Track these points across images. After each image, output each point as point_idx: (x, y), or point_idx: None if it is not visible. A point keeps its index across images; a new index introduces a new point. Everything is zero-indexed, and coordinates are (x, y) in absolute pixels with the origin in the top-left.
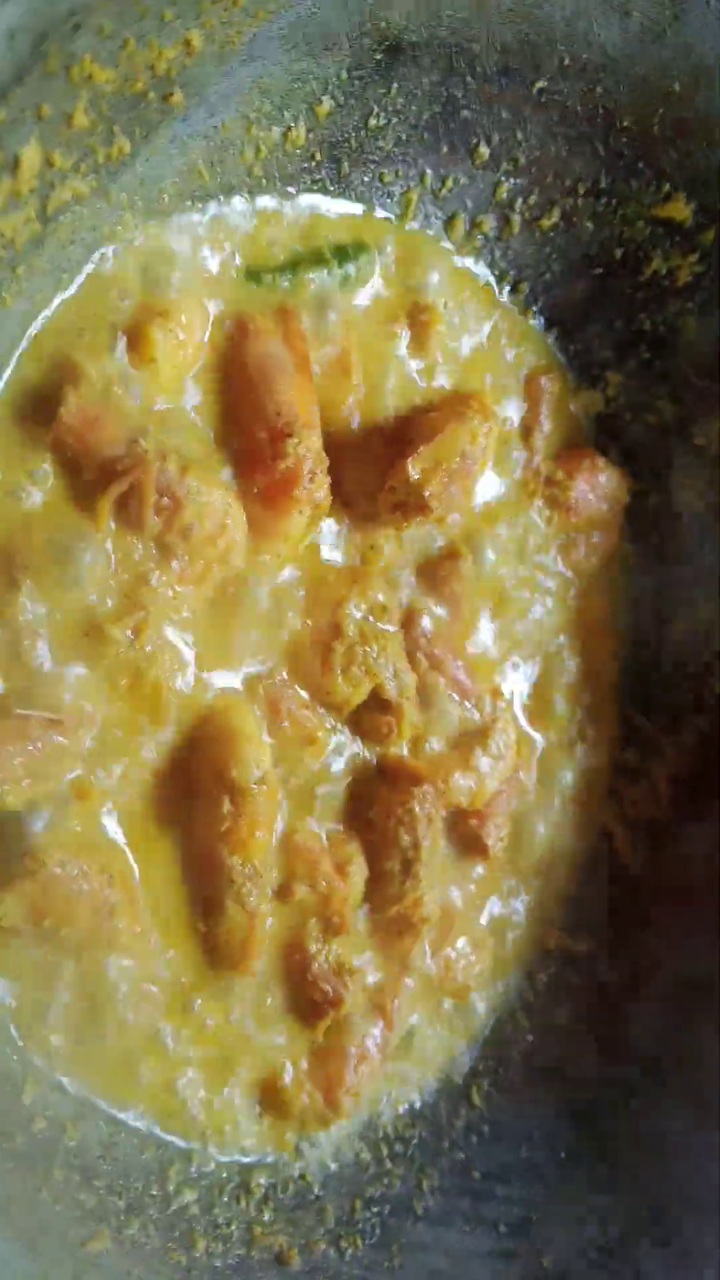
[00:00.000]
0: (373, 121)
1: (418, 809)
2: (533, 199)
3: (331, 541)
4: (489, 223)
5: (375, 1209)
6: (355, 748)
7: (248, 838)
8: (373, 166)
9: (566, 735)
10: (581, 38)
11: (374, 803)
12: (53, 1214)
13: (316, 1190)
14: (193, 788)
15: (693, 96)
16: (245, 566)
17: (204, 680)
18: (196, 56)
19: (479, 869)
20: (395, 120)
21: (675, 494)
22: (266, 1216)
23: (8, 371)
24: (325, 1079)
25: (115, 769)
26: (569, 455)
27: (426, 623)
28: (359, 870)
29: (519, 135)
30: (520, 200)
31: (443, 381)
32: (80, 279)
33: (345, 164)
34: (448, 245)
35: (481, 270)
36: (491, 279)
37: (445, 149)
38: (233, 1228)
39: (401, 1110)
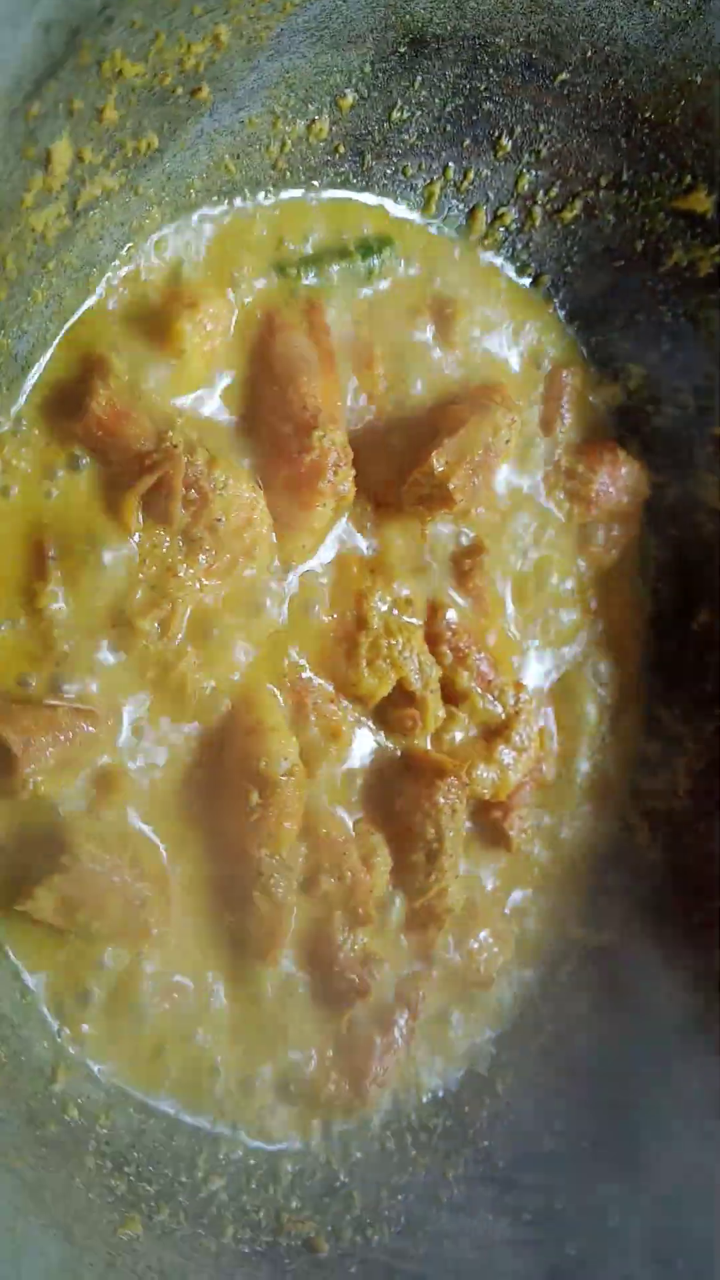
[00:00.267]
0: (396, 114)
1: (442, 801)
2: (554, 191)
3: (356, 533)
4: (511, 215)
5: (401, 1197)
6: (380, 740)
7: (275, 829)
8: (395, 159)
9: (589, 727)
10: (604, 30)
11: (399, 795)
12: (85, 1200)
13: (343, 1178)
14: (221, 780)
15: (714, 88)
16: (271, 559)
17: (231, 673)
18: (224, 51)
19: (502, 860)
20: (418, 113)
21: (696, 486)
22: (294, 1204)
23: (39, 367)
24: (351, 1068)
25: (144, 760)
26: (590, 448)
27: (451, 615)
28: (384, 862)
29: (541, 128)
30: (542, 192)
31: (466, 374)
32: (109, 274)
33: (368, 157)
34: (470, 238)
35: (503, 263)
36: (513, 272)
37: (468, 142)
38: (261, 1214)
39: (426, 1100)
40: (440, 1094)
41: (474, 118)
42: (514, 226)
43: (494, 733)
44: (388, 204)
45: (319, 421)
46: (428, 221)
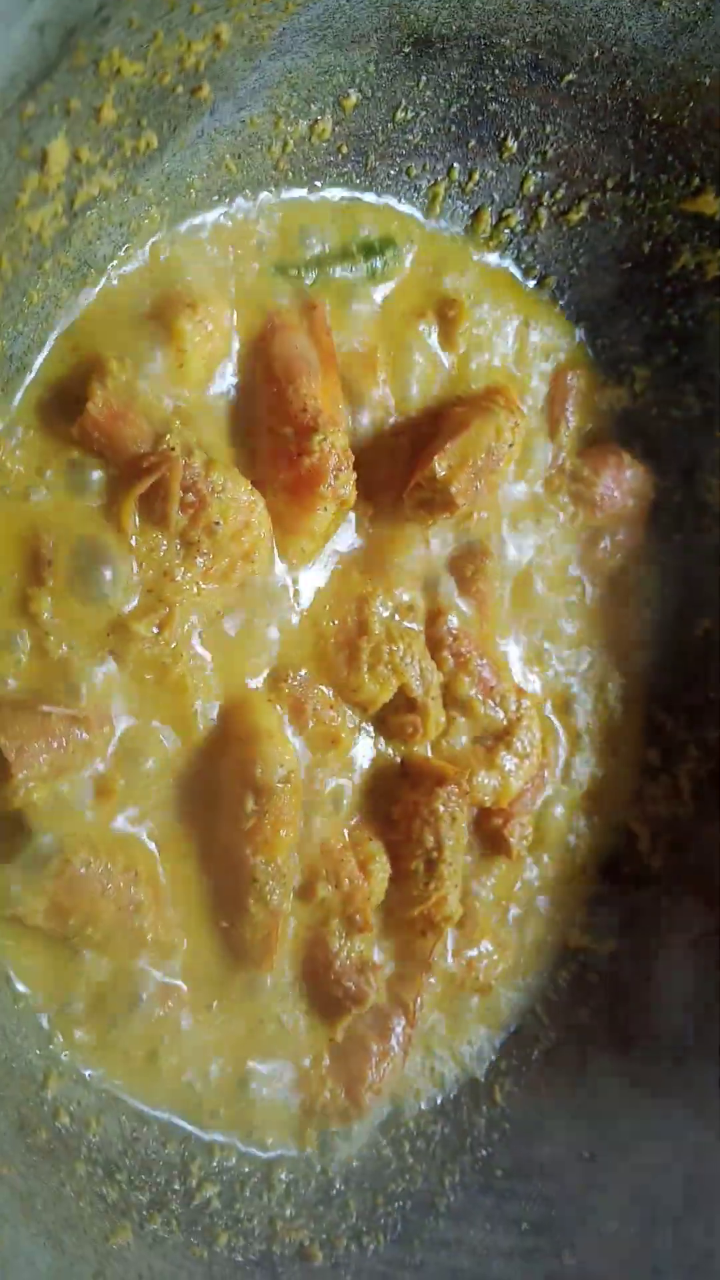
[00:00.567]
0: (400, 115)
1: (442, 809)
2: (560, 193)
3: (357, 537)
4: (516, 217)
5: (397, 1205)
6: (379, 746)
7: (271, 836)
8: (399, 160)
9: (591, 734)
10: (611, 30)
11: (398, 802)
12: (76, 1208)
13: (338, 1185)
14: (217, 786)
15: None
16: (270, 563)
17: (229, 678)
18: (225, 50)
19: (503, 867)
20: (423, 113)
21: (701, 490)
22: (289, 1211)
23: (35, 368)
24: (347, 1075)
25: (139, 766)
26: (594, 451)
27: (453, 620)
28: (382, 869)
29: (547, 129)
30: (548, 194)
31: (469, 376)
32: (107, 274)
33: (372, 157)
34: (475, 239)
35: (509, 265)
36: (518, 273)
37: (473, 142)
38: (255, 1223)
39: (424, 1107)
40: (438, 1101)
41: (479, 118)
42: (519, 228)
43: (495, 739)
44: (391, 204)
45: (319, 424)
46: (432, 222)
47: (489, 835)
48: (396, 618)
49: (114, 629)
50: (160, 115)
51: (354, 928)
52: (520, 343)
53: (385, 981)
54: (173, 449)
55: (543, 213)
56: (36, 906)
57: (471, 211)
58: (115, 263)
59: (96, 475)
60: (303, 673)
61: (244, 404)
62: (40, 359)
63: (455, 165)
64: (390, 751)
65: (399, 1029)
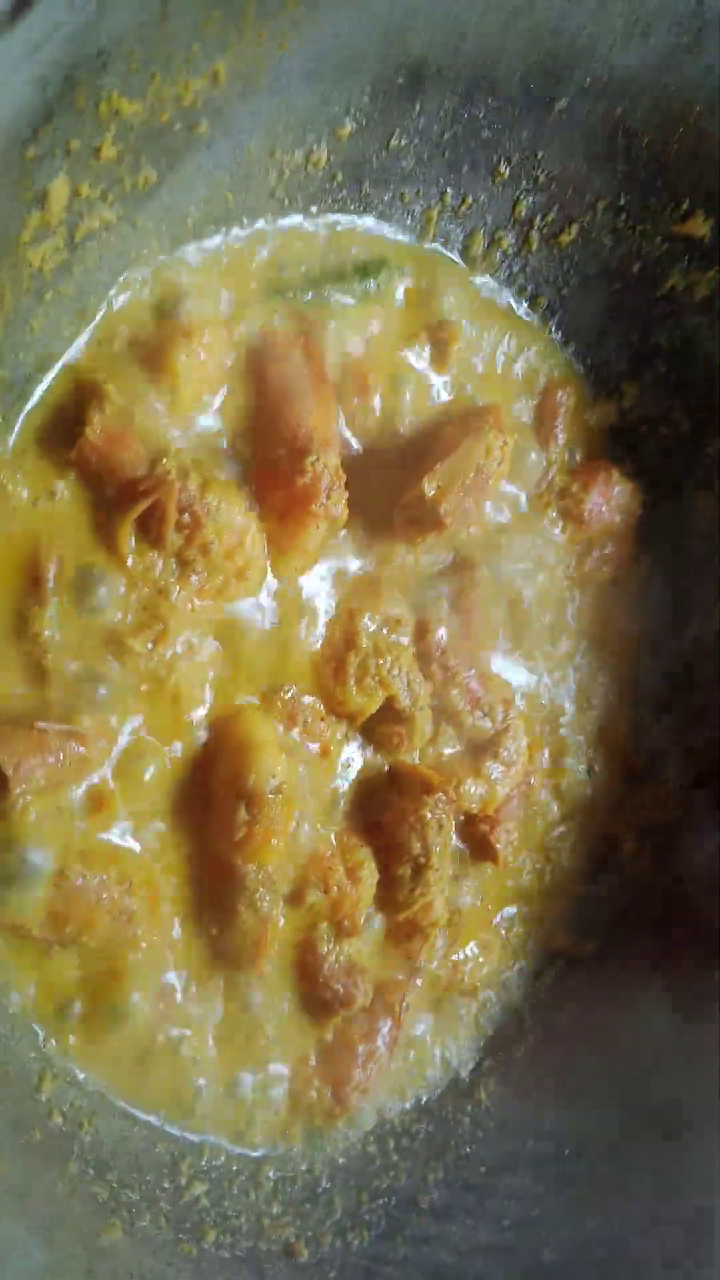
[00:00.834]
0: (394, 142)
1: (429, 816)
2: (552, 216)
3: (348, 554)
4: (508, 239)
5: (382, 1202)
6: (368, 755)
7: (262, 845)
8: (393, 185)
9: (578, 741)
10: (602, 59)
11: (386, 809)
12: (68, 1206)
13: (324, 1183)
14: (209, 796)
15: (713, 115)
16: (263, 580)
17: (222, 691)
18: (223, 87)
19: (489, 873)
20: (416, 141)
21: (688, 505)
22: (275, 1209)
23: (35, 395)
24: (334, 1076)
25: (134, 778)
26: (583, 467)
27: (441, 633)
28: (370, 874)
29: (539, 154)
30: (539, 217)
31: (460, 396)
32: (105, 303)
33: (366, 183)
34: (467, 261)
35: (500, 285)
36: (510, 293)
37: (465, 168)
38: (242, 1220)
39: (409, 1106)
40: (424, 1100)
41: (472, 145)
42: (511, 250)
43: (482, 748)
44: (385, 228)
45: (312, 446)
46: (425, 245)
47: (476, 841)
48: (385, 631)
49: (110, 645)
50: (159, 151)
51: (342, 932)
52: (511, 362)
53: (372, 984)
54: (168, 472)
55: (534, 235)
56: (34, 916)
57: (464, 234)
58: (114, 291)
59: (95, 498)
60: (295, 685)
61: (239, 426)
62: (41, 387)
63: (448, 190)
64: (379, 760)
65: (385, 1030)
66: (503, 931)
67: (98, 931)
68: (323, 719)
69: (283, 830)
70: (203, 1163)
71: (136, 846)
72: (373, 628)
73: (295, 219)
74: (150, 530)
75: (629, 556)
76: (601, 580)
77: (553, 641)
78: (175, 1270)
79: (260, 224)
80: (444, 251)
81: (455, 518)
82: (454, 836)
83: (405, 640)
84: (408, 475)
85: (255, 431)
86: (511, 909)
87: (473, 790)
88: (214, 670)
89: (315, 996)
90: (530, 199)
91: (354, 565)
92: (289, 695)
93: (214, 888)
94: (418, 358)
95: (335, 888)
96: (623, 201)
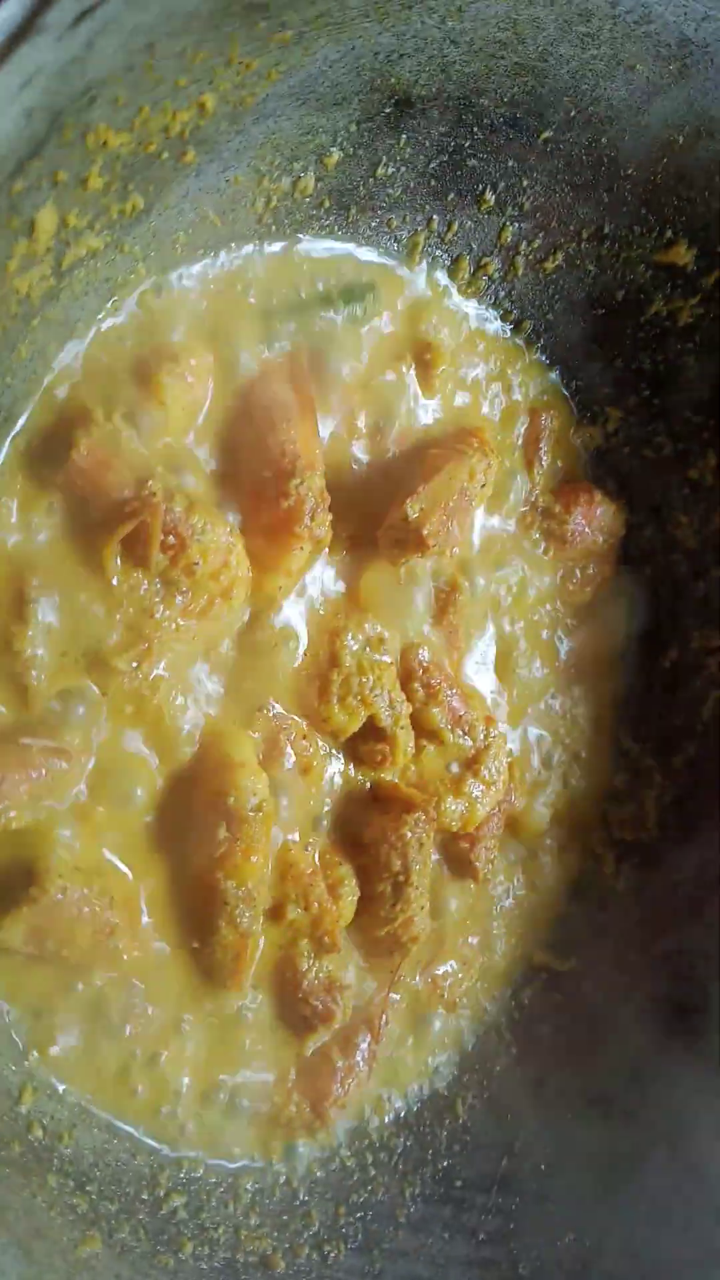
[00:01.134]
0: (381, 170)
1: (409, 834)
2: (537, 243)
3: (332, 575)
4: (494, 265)
5: (359, 1215)
6: (350, 772)
7: (243, 862)
8: (380, 212)
9: (559, 760)
10: (587, 91)
11: (367, 827)
12: (46, 1218)
13: (302, 1196)
14: (191, 813)
15: (695, 147)
16: (247, 600)
17: (205, 710)
18: (210, 117)
19: (469, 890)
20: (403, 169)
21: (670, 526)
22: (253, 1221)
23: (22, 419)
24: (313, 1090)
25: (116, 794)
26: (567, 489)
27: (424, 653)
28: (351, 891)
29: (524, 183)
30: (525, 244)
31: (445, 418)
32: (93, 328)
33: (353, 210)
34: (453, 286)
35: (486, 310)
36: (495, 318)
37: (452, 195)
38: (220, 1232)
39: (387, 1120)
40: (402, 1115)
41: (458, 173)
42: (497, 275)
43: (464, 766)
44: (372, 254)
45: (297, 468)
46: (411, 270)
47: (456, 858)
48: (368, 651)
49: (94, 664)
50: (146, 179)
51: (323, 948)
52: (497, 385)
53: (352, 1000)
54: (154, 494)
55: (520, 261)
56: (15, 931)
57: (450, 260)
58: (101, 315)
59: (80, 520)
60: (278, 703)
61: (224, 449)
62: (28, 410)
63: (435, 217)
64: (360, 778)
65: (364, 1045)
66: (482, 948)
67: (79, 945)
68: (305, 737)
69: (263, 848)
70: (181, 1175)
71: (119, 862)
72: (355, 647)
73: (282, 244)
74: (136, 551)
75: (611, 577)
76: (584, 600)
77: (535, 661)
78: None
79: (248, 249)
80: (431, 276)
81: (438, 540)
82: (435, 854)
83: (388, 659)
84: (392, 497)
85: (241, 454)
86: (491, 926)
87: (453, 808)
88: (197, 689)
89: (295, 1012)
90: (516, 226)
91: (338, 585)
92: (272, 714)
93: (195, 903)
94: (403, 381)
95: (316, 904)
96: (607, 230)
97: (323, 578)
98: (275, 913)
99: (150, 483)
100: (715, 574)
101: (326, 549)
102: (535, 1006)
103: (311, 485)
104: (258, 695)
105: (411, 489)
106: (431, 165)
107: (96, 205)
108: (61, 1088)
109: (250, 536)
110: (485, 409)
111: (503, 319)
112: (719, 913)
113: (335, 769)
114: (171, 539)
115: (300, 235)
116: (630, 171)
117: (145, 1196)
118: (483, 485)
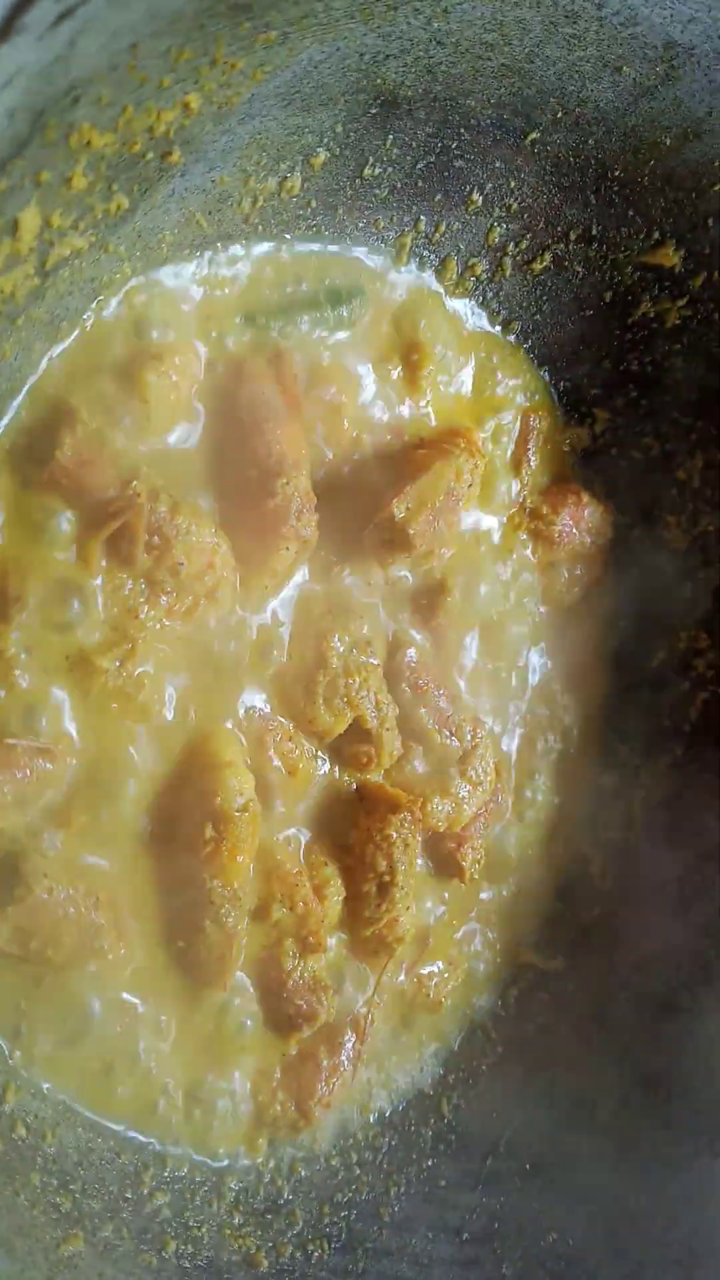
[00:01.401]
0: (368, 171)
1: (394, 835)
2: (524, 244)
3: (318, 575)
4: (481, 265)
5: (343, 1214)
6: (335, 773)
7: (228, 862)
8: (367, 213)
9: (547, 761)
10: (574, 93)
11: (353, 827)
12: (29, 1217)
13: (286, 1195)
14: (177, 813)
15: (682, 149)
16: (233, 600)
17: (191, 710)
18: (195, 117)
19: (455, 889)
20: (390, 170)
21: (658, 528)
22: (237, 1220)
23: (7, 418)
24: (298, 1089)
25: (102, 794)
26: (554, 490)
27: (411, 654)
28: (336, 891)
29: (512, 184)
30: (512, 245)
31: (433, 418)
32: (78, 327)
33: (340, 211)
34: (440, 287)
35: (473, 310)
36: (483, 319)
37: (439, 196)
38: (203, 1230)
39: (372, 1119)
40: (387, 1114)
41: (445, 174)
42: (484, 276)
43: (451, 766)
44: (359, 254)
45: (283, 469)
46: (399, 271)
47: (442, 858)
48: (354, 652)
49: (78, 663)
50: (131, 179)
51: (308, 948)
52: (483, 386)
53: (337, 1000)
54: (139, 494)
55: (507, 262)
56: (0, 931)
57: (438, 260)
58: (87, 314)
59: (65, 519)
60: (264, 704)
61: (210, 448)
62: (12, 408)
63: (422, 218)
64: (346, 778)
65: (349, 1045)
66: (468, 947)
67: (64, 945)
68: (291, 738)
69: (249, 848)
70: (165, 1173)
71: (104, 862)
72: (342, 648)
73: (269, 245)
74: (120, 551)
75: (598, 578)
76: (571, 601)
77: (522, 662)
78: None
79: (234, 249)
80: (418, 277)
81: (425, 539)
82: (420, 854)
83: (375, 660)
84: (378, 497)
85: (226, 453)
86: (477, 925)
87: (440, 808)
88: (182, 689)
89: (280, 1011)
90: (503, 227)
91: (324, 586)
92: (258, 715)
93: (180, 903)
94: (391, 380)
95: (301, 904)
96: (594, 231)
97: (309, 579)
98: (260, 912)
99: (135, 483)
100: (703, 575)
101: (313, 549)
102: (521, 1006)
103: (297, 485)
104: (244, 696)
105: (398, 489)
106: (418, 166)
107: (81, 205)
108: (45, 1086)
109: (236, 536)
110: (472, 410)
111: (490, 320)
112: (705, 913)
113: (321, 769)
114: (156, 539)
115: (287, 236)
116: (617, 173)
117: (129, 1195)
118: (470, 485)
